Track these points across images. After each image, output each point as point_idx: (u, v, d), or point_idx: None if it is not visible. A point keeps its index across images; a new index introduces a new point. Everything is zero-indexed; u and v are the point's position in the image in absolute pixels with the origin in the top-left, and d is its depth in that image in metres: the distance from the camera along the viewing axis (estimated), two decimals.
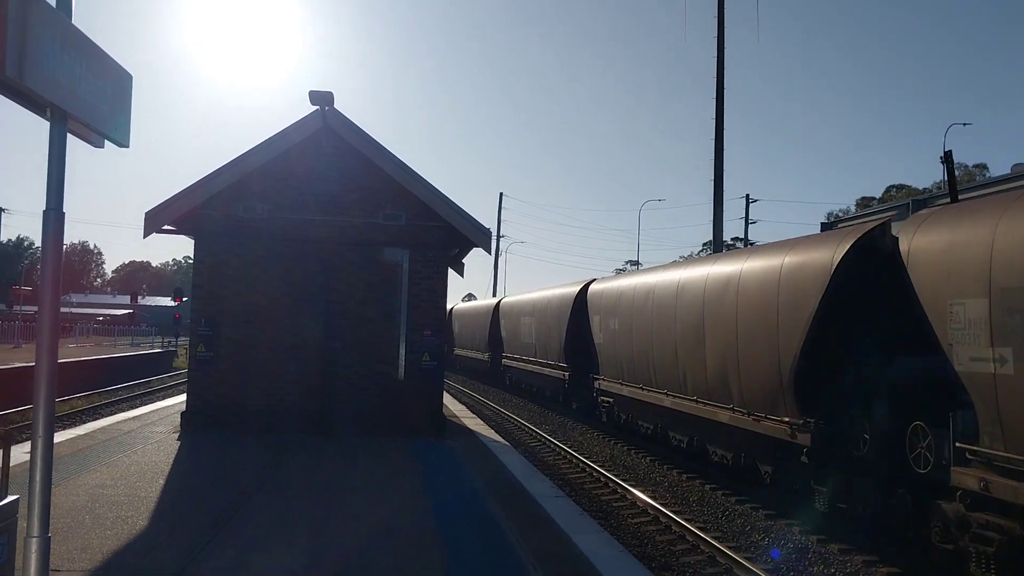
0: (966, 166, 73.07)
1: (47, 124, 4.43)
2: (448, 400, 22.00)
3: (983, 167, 74.61)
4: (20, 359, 31.45)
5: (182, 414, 15.18)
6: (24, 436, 17.30)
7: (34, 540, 4.29)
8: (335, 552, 7.60)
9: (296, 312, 15.20)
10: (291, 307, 15.21)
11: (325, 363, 15.12)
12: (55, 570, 6.43)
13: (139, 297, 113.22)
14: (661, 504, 12.97)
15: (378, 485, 10.81)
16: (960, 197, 11.74)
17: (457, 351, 46.92)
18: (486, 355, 39.00)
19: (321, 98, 14.89)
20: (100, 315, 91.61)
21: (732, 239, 64.21)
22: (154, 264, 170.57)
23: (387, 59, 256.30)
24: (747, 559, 10.12)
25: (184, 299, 53.11)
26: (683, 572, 10.07)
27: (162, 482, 10.48)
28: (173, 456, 12.44)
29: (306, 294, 15.27)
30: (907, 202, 17.85)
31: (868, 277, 10.89)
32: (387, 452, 13.41)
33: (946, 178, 14.03)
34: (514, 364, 32.99)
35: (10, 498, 4.65)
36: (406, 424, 15.05)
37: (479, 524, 8.88)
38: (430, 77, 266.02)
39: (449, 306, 50.11)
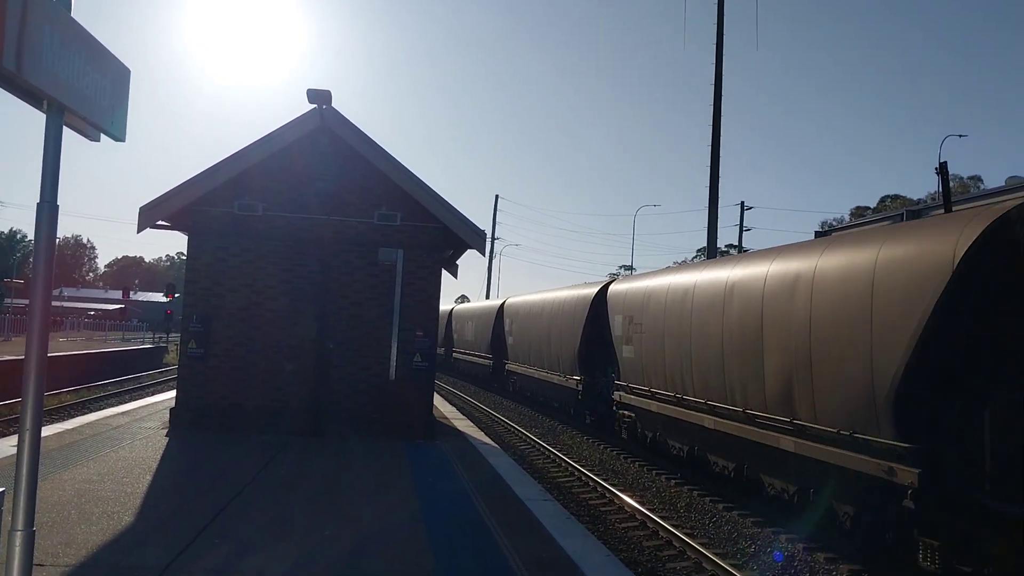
0: (961, 177, 73.45)
1: (42, 116, 4.42)
2: (448, 409, 21.96)
3: (978, 179, 75.06)
4: (9, 352, 31.32)
5: (171, 410, 15.13)
6: (11, 430, 17.24)
7: (18, 534, 4.26)
8: (324, 554, 7.58)
9: (291, 311, 15.17)
10: (286, 306, 15.18)
11: (318, 362, 15.09)
12: (39, 564, 6.41)
13: (131, 292, 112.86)
14: (648, 510, 12.96)
15: (370, 487, 10.79)
16: (953, 209, 11.70)
17: (456, 354, 45.16)
18: (488, 359, 37.11)
19: (319, 96, 14.89)
20: (91, 309, 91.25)
21: (726, 246, 64.44)
22: (147, 260, 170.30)
23: (387, 60, 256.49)
24: (733, 566, 10.12)
25: (176, 295, 53.06)
26: None
27: (150, 478, 10.44)
28: (161, 452, 12.40)
29: (301, 293, 15.24)
30: (901, 212, 17.94)
31: (1003, 273, 8.79)
32: (378, 453, 13.38)
33: (941, 189, 14.08)
34: (519, 370, 30.75)
35: None
36: (397, 425, 15.02)
37: (468, 527, 8.87)
38: (429, 80, 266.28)
39: (446, 307, 49.82)
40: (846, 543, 10.88)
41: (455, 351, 45.84)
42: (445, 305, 49.63)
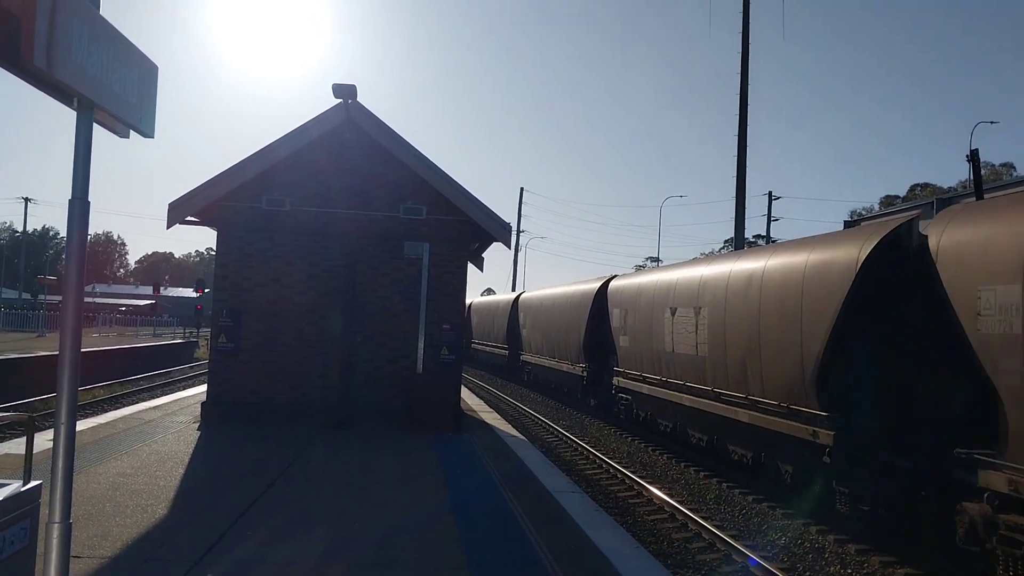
0: (992, 165, 72.22)
1: (73, 114, 4.47)
2: (466, 394, 22.05)
3: (1010, 166, 73.71)
4: (44, 347, 31.82)
5: (202, 404, 15.30)
6: (47, 424, 17.50)
7: (56, 526, 4.33)
8: (355, 544, 7.64)
9: (319, 305, 15.27)
10: (314, 300, 15.29)
11: (346, 356, 15.18)
12: (75, 556, 6.51)
13: (161, 288, 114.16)
14: (678, 501, 12.94)
15: (399, 478, 10.85)
16: (986, 196, 11.57)
17: (475, 345, 47.02)
18: (505, 350, 38.95)
19: (344, 91, 14.95)
20: (123, 305, 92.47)
21: (754, 236, 63.99)
22: (177, 255, 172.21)
23: (411, 53, 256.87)
24: (764, 558, 10.08)
25: (206, 290, 53.51)
26: (699, 570, 10.04)
27: (182, 471, 10.57)
28: (193, 446, 12.55)
29: (329, 287, 15.34)
30: (931, 200, 17.67)
31: (895, 275, 10.68)
32: (407, 446, 13.45)
33: (972, 177, 13.87)
34: (532, 359, 33.00)
35: (33, 483, 4.70)
36: (425, 417, 15.08)
37: (497, 518, 8.89)
38: (453, 73, 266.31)
39: (468, 300, 50.22)
40: (870, 532, 10.90)
41: (474, 342, 47.44)
42: (469, 298, 50.11)
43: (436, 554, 7.42)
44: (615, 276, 24.44)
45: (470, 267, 16.93)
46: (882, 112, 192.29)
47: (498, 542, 7.94)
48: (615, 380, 21.89)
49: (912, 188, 75.50)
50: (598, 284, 24.62)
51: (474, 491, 10.28)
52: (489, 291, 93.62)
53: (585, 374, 25.36)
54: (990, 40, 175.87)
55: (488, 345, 43.50)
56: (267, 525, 8.10)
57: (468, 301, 50.96)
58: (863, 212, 60.40)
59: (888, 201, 73.53)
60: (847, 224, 22.69)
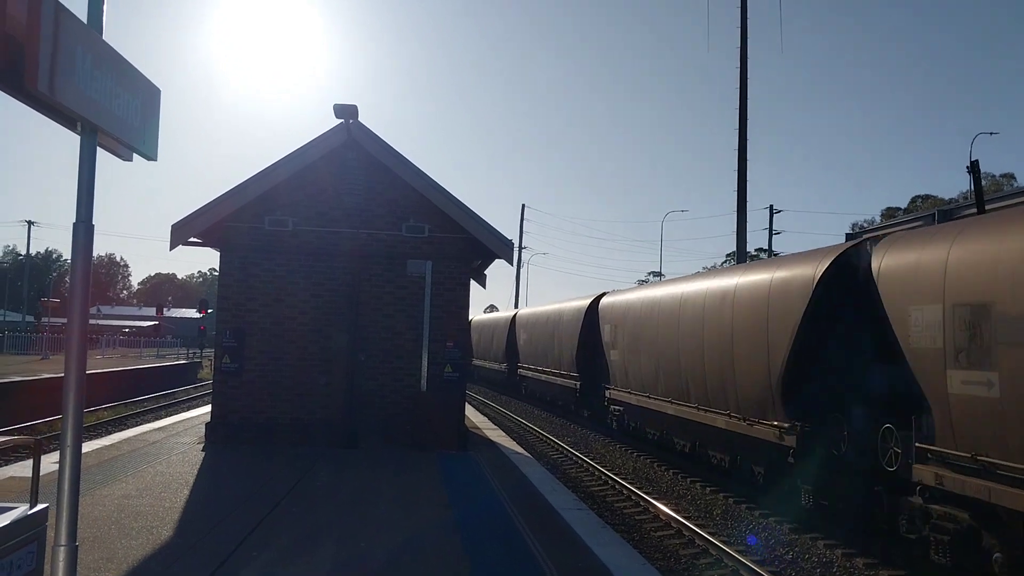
0: (993, 176, 72.11)
1: (76, 137, 4.51)
2: (470, 411, 22.03)
3: (1011, 176, 73.65)
4: (48, 370, 31.83)
5: (207, 425, 15.29)
6: (52, 446, 17.49)
7: (62, 549, 4.33)
8: (362, 562, 7.62)
9: (323, 324, 15.29)
10: (318, 319, 15.30)
11: (350, 375, 15.18)
12: None
13: (165, 309, 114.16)
14: (684, 517, 12.89)
15: (405, 497, 10.82)
16: (987, 208, 11.65)
17: (476, 362, 47.61)
18: (503, 366, 39.78)
19: (346, 111, 15.03)
20: (126, 327, 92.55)
21: (756, 250, 63.95)
22: (180, 276, 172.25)
23: (412, 72, 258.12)
24: (772, 573, 10.03)
25: (209, 311, 53.61)
26: None
27: (187, 493, 10.55)
28: (198, 467, 12.53)
29: (332, 306, 15.36)
30: (932, 212, 17.65)
31: (846, 292, 11.72)
32: (412, 464, 13.42)
33: (972, 188, 13.87)
34: (529, 374, 33.92)
35: (40, 506, 4.71)
36: (430, 435, 15.06)
37: (503, 536, 8.87)
38: (453, 91, 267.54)
39: (469, 317, 50.28)
40: (880, 548, 10.91)
41: (474, 360, 47.98)
42: (472, 315, 50.20)
43: (442, 573, 7.39)
44: (606, 293, 25.41)
45: (473, 284, 16.95)
46: (882, 125, 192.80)
47: (504, 561, 7.91)
48: (607, 392, 22.91)
49: (913, 200, 75.43)
50: (589, 300, 25.76)
51: (479, 509, 10.24)
52: (492, 308, 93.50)
53: (578, 386, 26.24)
54: (989, 51, 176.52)
55: (488, 361, 44.41)
56: (273, 546, 8.08)
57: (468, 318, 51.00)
58: (864, 224, 60.42)
59: (889, 213, 73.52)
60: (848, 236, 22.71)
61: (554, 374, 29.29)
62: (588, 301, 25.83)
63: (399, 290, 15.60)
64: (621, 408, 21.85)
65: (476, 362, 47.50)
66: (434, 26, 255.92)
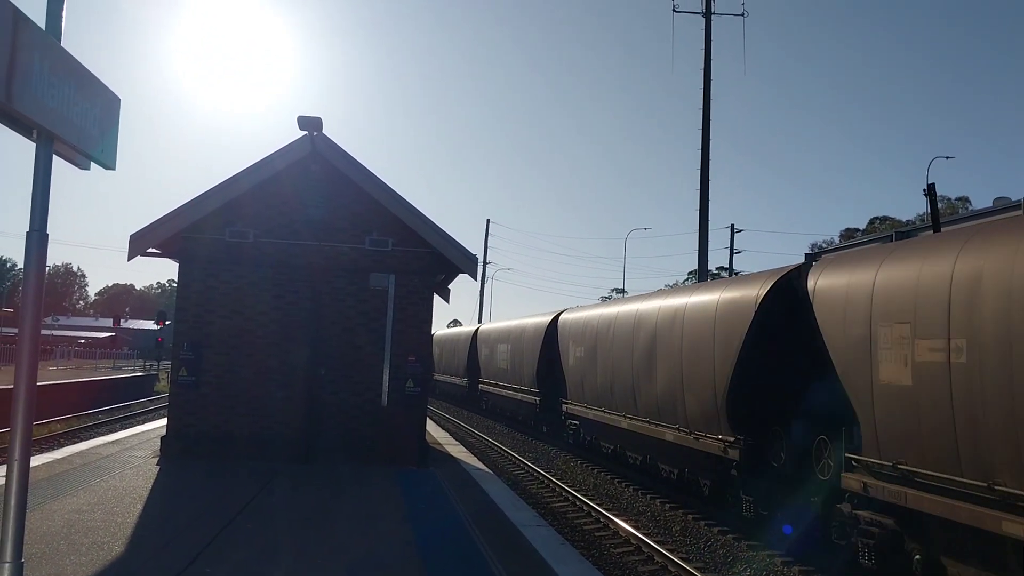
0: (949, 199, 73.69)
1: (32, 145, 4.43)
2: (431, 426, 21.91)
3: (966, 200, 75.32)
4: None
5: (162, 439, 15.03)
6: None
7: (6, 566, 4.22)
8: None
9: (282, 337, 15.11)
10: (278, 333, 15.12)
11: (309, 389, 15.03)
12: None
13: (122, 320, 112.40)
14: (644, 534, 12.92)
15: (363, 514, 10.72)
16: (943, 229, 11.88)
17: (437, 376, 47.58)
18: (464, 381, 39.84)
19: (310, 123, 14.95)
20: (82, 338, 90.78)
21: (717, 268, 64.55)
22: (138, 287, 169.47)
23: (377, 84, 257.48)
24: None
25: (167, 323, 52.76)
26: None
27: (140, 508, 10.35)
28: (152, 481, 12.30)
29: (293, 319, 15.20)
30: (891, 234, 17.97)
31: (786, 313, 12.25)
32: (371, 480, 13.31)
33: (929, 210, 14.17)
34: (490, 389, 34.08)
35: None
36: (390, 451, 14.94)
37: (463, 554, 8.81)
38: (419, 103, 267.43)
39: (432, 332, 50.12)
40: (816, 556, 11.26)
41: (436, 374, 47.94)
42: (435, 329, 50.01)
43: None
44: (566, 309, 25.72)
45: (436, 298, 16.90)
46: (842, 146, 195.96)
47: None
48: (564, 406, 23.41)
49: (872, 221, 76.82)
50: (551, 317, 26.16)
51: (440, 527, 10.18)
52: (456, 322, 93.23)
53: (539, 402, 26.54)
54: (946, 74, 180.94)
55: (449, 376, 44.48)
56: (227, 563, 7.94)
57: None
58: (824, 245, 61.39)
59: (848, 234, 74.74)
60: (807, 257, 23.02)
61: (515, 389, 29.49)
62: (549, 318, 26.17)
63: (361, 304, 15.50)
64: (578, 422, 22.21)
65: (438, 377, 47.44)
66: (402, 40, 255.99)
